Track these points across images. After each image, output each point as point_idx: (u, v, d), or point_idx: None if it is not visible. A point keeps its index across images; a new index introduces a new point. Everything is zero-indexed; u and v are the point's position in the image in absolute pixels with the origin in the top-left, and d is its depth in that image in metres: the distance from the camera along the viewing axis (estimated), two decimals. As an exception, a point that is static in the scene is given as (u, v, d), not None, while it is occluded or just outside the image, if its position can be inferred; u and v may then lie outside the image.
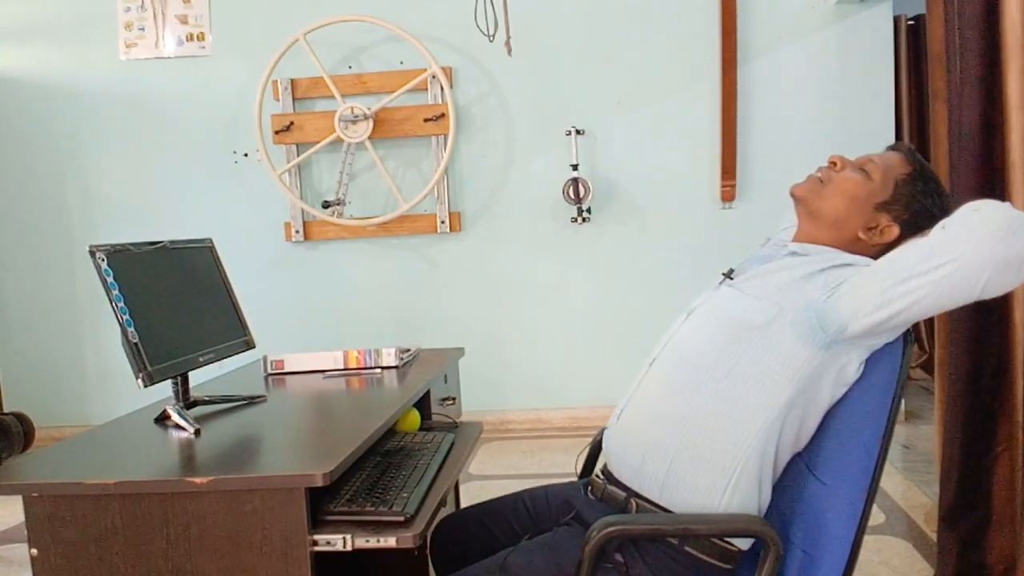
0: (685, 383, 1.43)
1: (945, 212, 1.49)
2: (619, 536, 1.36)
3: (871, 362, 1.38)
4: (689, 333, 1.49)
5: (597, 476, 1.56)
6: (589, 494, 1.55)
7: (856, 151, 1.54)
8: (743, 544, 1.41)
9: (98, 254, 1.61)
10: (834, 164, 1.55)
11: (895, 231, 1.50)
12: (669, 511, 1.41)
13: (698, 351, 1.44)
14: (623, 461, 1.48)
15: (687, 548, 1.38)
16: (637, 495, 1.45)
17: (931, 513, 2.75)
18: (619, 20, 4.12)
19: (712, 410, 1.39)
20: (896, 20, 4.49)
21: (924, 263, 1.26)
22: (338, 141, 4.13)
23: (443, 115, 4.11)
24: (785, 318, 1.37)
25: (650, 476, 1.43)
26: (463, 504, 2.23)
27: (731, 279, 1.54)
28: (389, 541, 1.35)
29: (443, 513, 1.76)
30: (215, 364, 1.86)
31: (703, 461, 1.39)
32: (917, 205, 1.49)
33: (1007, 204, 1.27)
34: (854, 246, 1.51)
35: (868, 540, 2.66)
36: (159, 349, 1.67)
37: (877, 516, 2.92)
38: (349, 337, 4.21)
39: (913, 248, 1.30)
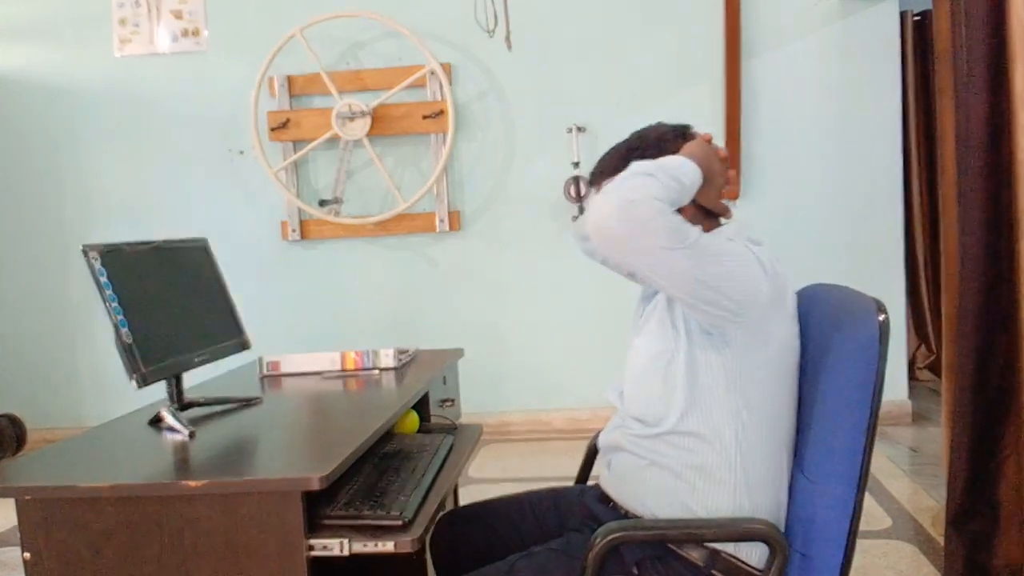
0: (653, 437, 1.44)
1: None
2: (624, 542, 1.36)
3: (844, 356, 1.36)
4: (631, 394, 1.52)
5: None
6: (613, 508, 1.54)
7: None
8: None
9: (91, 254, 1.59)
10: None
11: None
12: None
13: (648, 408, 1.46)
14: (629, 506, 1.48)
15: (713, 572, 1.38)
16: None
17: (938, 517, 2.74)
18: (621, 15, 4.10)
19: (688, 448, 1.41)
20: (902, 16, 4.47)
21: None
22: (335, 138, 4.11)
23: (442, 112, 4.09)
24: (682, 335, 1.41)
25: (658, 515, 1.44)
26: (462, 507, 2.21)
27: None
28: (387, 546, 1.34)
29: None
30: (210, 365, 1.85)
31: (703, 493, 1.41)
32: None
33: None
34: None
35: (875, 544, 2.66)
36: (153, 350, 1.65)
37: (884, 520, 2.90)
38: (347, 337, 4.19)
39: None
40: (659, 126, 1.55)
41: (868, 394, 1.31)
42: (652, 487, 1.44)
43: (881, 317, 1.31)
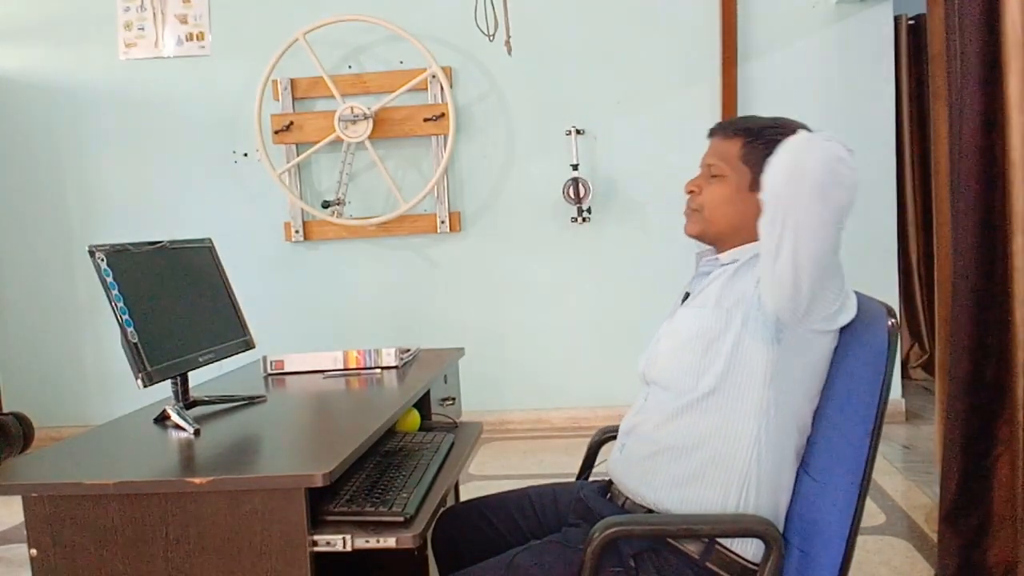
0: (676, 411, 1.46)
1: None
2: (622, 536, 1.37)
3: (855, 359, 1.38)
4: (663, 362, 1.53)
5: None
6: (610, 500, 1.55)
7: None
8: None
9: (98, 254, 1.61)
10: (693, 192, 1.57)
11: None
12: None
13: (678, 378, 1.47)
14: (636, 493, 1.49)
15: (708, 564, 1.39)
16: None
17: (932, 513, 2.75)
18: (619, 19, 4.12)
19: (707, 432, 1.42)
20: (896, 20, 4.49)
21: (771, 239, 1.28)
22: (338, 141, 4.13)
23: (443, 115, 4.11)
24: (736, 320, 1.42)
25: (664, 504, 1.45)
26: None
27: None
28: (389, 541, 1.35)
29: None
30: (215, 364, 1.86)
31: (712, 482, 1.42)
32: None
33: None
34: None
35: (869, 540, 2.67)
36: (159, 349, 1.67)
37: (878, 516, 2.91)
38: (349, 337, 4.20)
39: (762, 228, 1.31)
40: (802, 125, 1.51)
41: (875, 398, 1.31)
42: (660, 472, 1.45)
43: (890, 322, 1.32)
